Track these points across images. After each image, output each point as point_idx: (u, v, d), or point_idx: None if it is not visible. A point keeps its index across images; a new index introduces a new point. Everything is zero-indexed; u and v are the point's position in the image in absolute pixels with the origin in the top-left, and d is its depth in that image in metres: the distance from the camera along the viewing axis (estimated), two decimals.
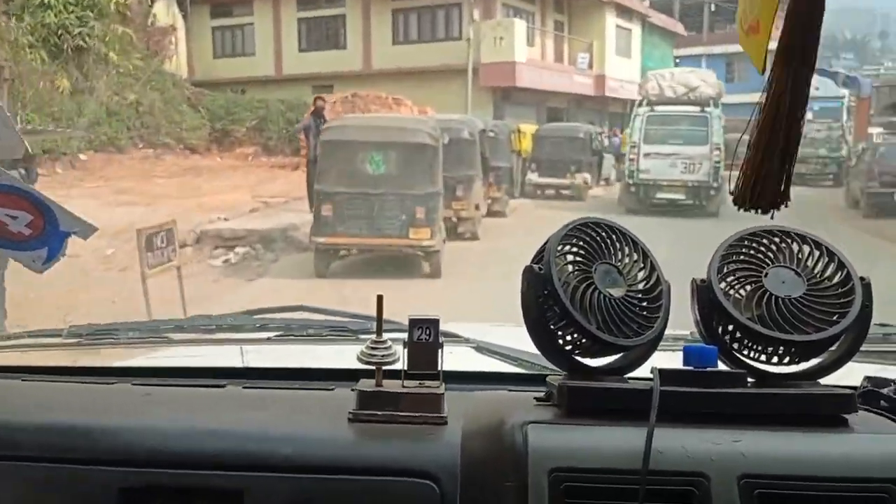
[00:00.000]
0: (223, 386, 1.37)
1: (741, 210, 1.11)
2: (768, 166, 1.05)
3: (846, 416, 1.08)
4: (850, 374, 1.25)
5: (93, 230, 1.28)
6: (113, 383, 1.40)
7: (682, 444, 1.01)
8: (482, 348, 1.63)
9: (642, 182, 16.46)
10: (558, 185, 19.30)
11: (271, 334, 1.75)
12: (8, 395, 1.35)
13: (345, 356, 1.47)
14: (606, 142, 24.33)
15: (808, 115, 20.27)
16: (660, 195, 16.35)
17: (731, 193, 1.10)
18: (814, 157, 23.81)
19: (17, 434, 1.16)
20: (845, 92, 25.98)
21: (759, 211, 1.08)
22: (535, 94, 25.92)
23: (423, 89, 22.58)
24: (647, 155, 16.35)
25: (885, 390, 1.22)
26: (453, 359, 1.26)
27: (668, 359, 1.14)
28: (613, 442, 1.01)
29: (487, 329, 1.82)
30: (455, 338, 1.61)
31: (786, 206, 1.08)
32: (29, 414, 1.21)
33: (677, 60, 33.96)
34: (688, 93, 16.67)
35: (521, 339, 1.58)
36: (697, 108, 16.40)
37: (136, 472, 1.11)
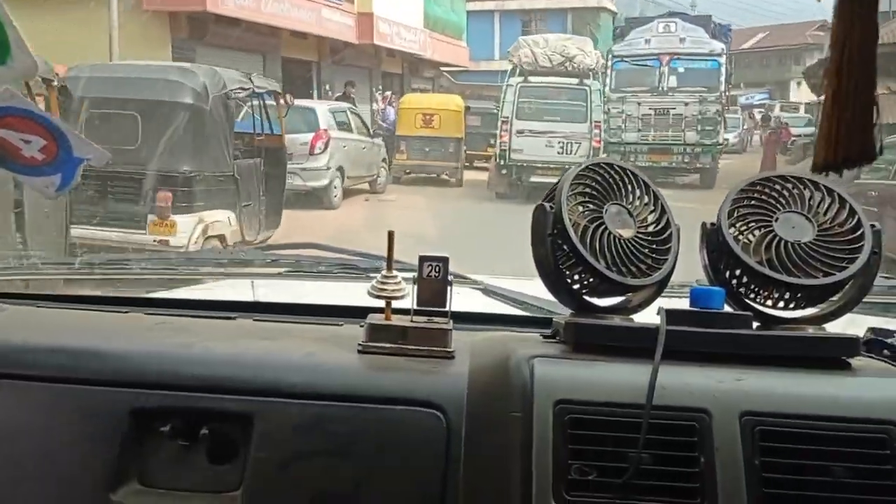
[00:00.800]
0: (234, 318, 1.39)
1: (826, 175, 1.01)
2: (846, 120, 0.95)
3: (849, 360, 1.09)
4: (854, 325, 1.26)
5: (106, 157, 1.28)
6: (125, 312, 1.42)
7: (685, 381, 1.02)
8: (489, 291, 1.64)
9: (515, 163, 14.07)
10: (436, 167, 15.91)
11: (282, 269, 1.77)
12: (20, 319, 1.37)
13: (354, 293, 1.49)
14: (379, 117, 18.16)
15: (672, 81, 16.65)
16: (535, 178, 13.52)
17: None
18: (679, 143, 16.09)
19: (28, 355, 1.19)
20: (721, 46, 16.46)
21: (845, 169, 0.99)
22: (252, 32, 15.35)
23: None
24: (520, 132, 14.14)
25: (889, 340, 1.23)
26: (461, 299, 1.27)
27: (674, 303, 1.15)
28: (618, 377, 1.03)
29: (494, 278, 1.83)
30: (463, 279, 1.62)
31: (877, 157, 0.98)
32: (41, 336, 1.23)
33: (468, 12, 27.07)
34: (564, 62, 14.49)
35: (527, 288, 1.60)
36: (575, 81, 14.36)
37: (147, 393, 1.13)
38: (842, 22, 0.96)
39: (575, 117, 14.38)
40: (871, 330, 1.27)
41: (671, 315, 1.08)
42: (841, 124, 0.96)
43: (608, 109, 15.91)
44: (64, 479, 1.10)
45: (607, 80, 16.26)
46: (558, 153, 14.14)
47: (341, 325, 1.37)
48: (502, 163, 14.31)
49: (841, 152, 0.97)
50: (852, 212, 1.13)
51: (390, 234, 1.27)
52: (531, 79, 14.51)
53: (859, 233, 1.12)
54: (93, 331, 1.28)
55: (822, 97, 1.00)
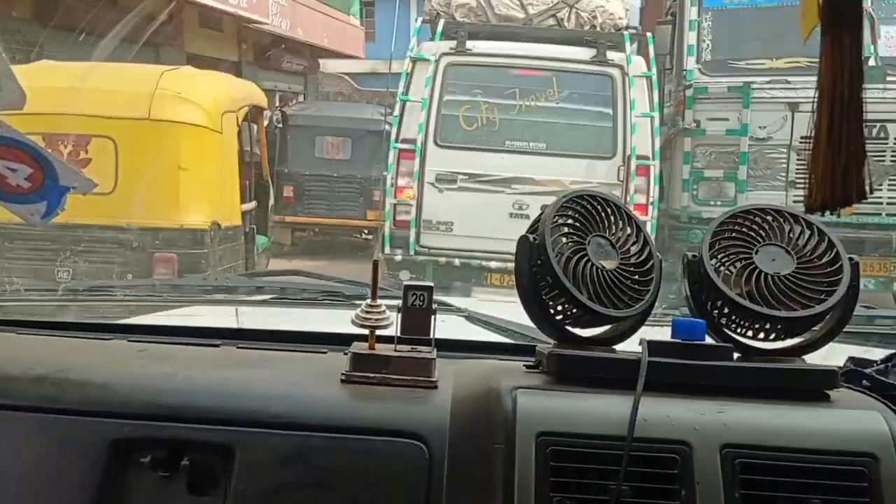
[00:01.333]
0: (217, 346, 1.38)
1: (822, 215, 1.02)
2: (841, 161, 0.97)
3: (828, 391, 1.10)
4: (834, 355, 1.28)
5: (92, 185, 1.28)
6: (108, 339, 1.42)
7: (666, 413, 1.03)
8: (473, 318, 1.65)
9: (429, 255, 6.29)
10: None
11: (267, 297, 1.77)
12: (3, 346, 1.37)
13: (339, 321, 1.49)
14: None
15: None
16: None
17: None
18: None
19: (10, 384, 1.18)
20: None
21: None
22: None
23: None
24: (442, 180, 6.31)
25: (867, 370, 1.25)
26: (445, 327, 1.28)
27: (656, 334, 1.16)
28: (600, 409, 1.04)
29: (478, 302, 1.84)
30: (447, 307, 1.63)
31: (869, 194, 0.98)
32: (23, 365, 1.23)
33: None
34: (558, 8, 6.83)
35: (511, 314, 1.60)
36: (585, 54, 6.40)
37: (129, 423, 1.12)
38: (830, 66, 0.98)
39: (584, 143, 6.25)
40: (851, 360, 1.29)
41: (653, 346, 1.09)
42: (836, 167, 0.98)
43: (685, 122, 6.74)
44: None
45: (684, 50, 6.79)
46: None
47: (326, 352, 1.37)
48: (397, 255, 6.29)
49: (838, 193, 0.99)
50: (831, 245, 1.14)
51: (375, 263, 1.28)
52: (476, 46, 6.37)
53: (838, 265, 1.13)
54: (76, 359, 1.28)
55: (812, 139, 1.01)
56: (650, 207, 6.14)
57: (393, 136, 6.32)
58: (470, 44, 6.38)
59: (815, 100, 0.99)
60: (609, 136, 6.25)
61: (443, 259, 6.19)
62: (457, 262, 6.15)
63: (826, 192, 0.99)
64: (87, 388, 1.17)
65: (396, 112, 6.32)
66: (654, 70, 6.49)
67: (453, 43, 6.38)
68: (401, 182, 6.26)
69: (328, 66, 19.53)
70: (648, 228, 4.57)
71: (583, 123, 6.36)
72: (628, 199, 5.99)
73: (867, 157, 0.99)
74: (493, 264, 5.98)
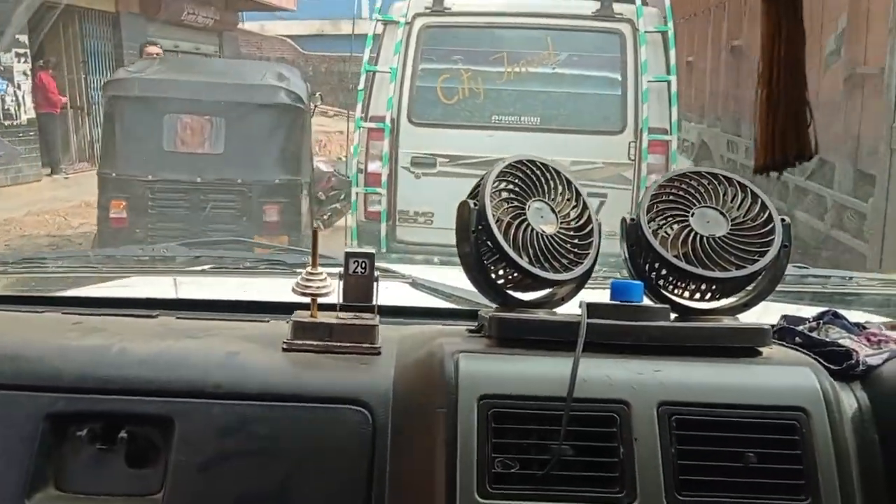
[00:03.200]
0: (155, 316, 1.36)
1: (766, 176, 0.99)
2: (780, 121, 0.96)
3: (761, 349, 1.14)
4: (768, 313, 1.31)
5: (17, 153, 1.24)
6: (41, 312, 1.38)
7: (605, 373, 1.05)
8: (417, 284, 1.65)
9: (404, 251, 5.29)
10: None
11: (206, 266, 1.73)
12: None
13: (280, 290, 1.47)
14: None
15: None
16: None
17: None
18: None
19: None
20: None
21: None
22: None
23: None
24: (419, 164, 5.38)
25: (800, 327, 1.29)
26: (388, 294, 1.27)
27: (597, 296, 1.17)
28: (540, 371, 1.05)
29: (422, 268, 1.84)
30: (391, 273, 1.62)
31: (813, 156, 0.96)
32: None
33: None
34: None
35: (455, 280, 1.61)
36: (588, 5, 5.38)
37: (64, 397, 1.10)
38: (768, 27, 0.98)
39: (587, 116, 5.36)
40: (784, 318, 1.32)
41: (592, 308, 1.10)
42: (775, 127, 0.98)
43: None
44: None
45: None
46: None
47: (267, 321, 1.36)
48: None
49: (779, 153, 0.99)
50: (764, 206, 1.17)
51: (314, 231, 1.27)
52: (456, 2, 5.48)
53: (770, 227, 1.16)
54: (7, 332, 1.24)
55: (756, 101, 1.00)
56: None
57: (359, 114, 5.36)
58: (448, 0, 5.35)
59: (757, 60, 0.99)
60: (617, 107, 5.24)
61: (421, 256, 4.81)
62: (437, 259, 4.80)
63: (767, 154, 0.99)
64: (19, 362, 1.14)
65: (362, 85, 5.36)
66: (671, 24, 5.29)
67: (429, 0, 5.31)
68: (371, 167, 5.30)
69: (268, 27, 16.71)
70: None
71: (585, 92, 5.34)
72: (641, 180, 5.08)
73: (811, 117, 0.97)
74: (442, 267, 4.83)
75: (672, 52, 5.27)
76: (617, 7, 5.26)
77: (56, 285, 1.68)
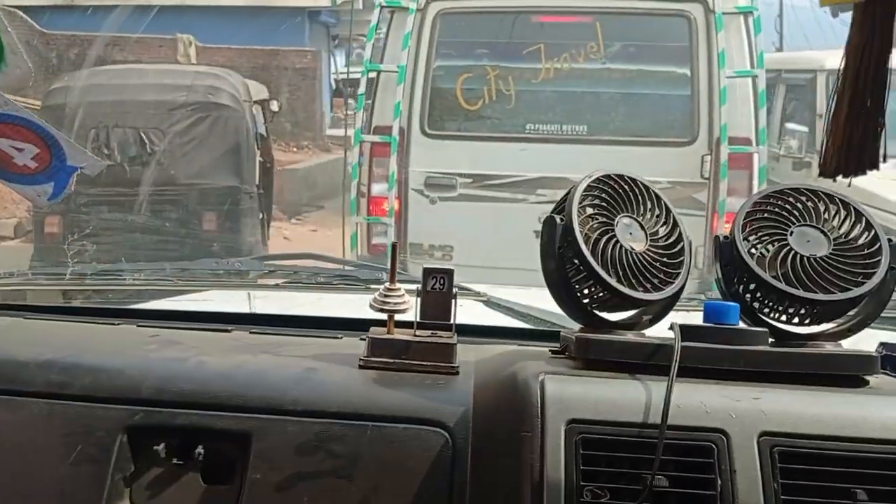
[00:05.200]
0: (229, 331, 1.35)
1: (834, 181, 1.00)
2: (859, 130, 0.97)
3: (867, 377, 1.06)
4: (864, 340, 1.23)
5: (101, 165, 1.24)
6: (117, 324, 1.38)
7: (701, 399, 0.99)
8: (493, 303, 1.61)
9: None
10: None
11: (279, 281, 1.73)
12: (11, 331, 1.33)
13: (354, 306, 1.45)
14: None
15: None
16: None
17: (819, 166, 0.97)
18: None
19: (19, 370, 1.15)
20: None
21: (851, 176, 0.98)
22: None
23: None
24: (434, 185, 4.22)
25: None
26: (464, 312, 1.24)
27: (684, 319, 1.12)
28: (632, 395, 1.00)
29: (496, 288, 1.80)
30: (466, 291, 1.59)
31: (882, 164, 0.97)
32: (32, 350, 1.19)
33: None
34: None
35: (530, 299, 1.56)
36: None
37: (142, 410, 1.09)
38: (861, 28, 0.96)
39: (647, 123, 4.18)
40: (883, 345, 1.24)
41: (685, 331, 1.05)
42: (855, 132, 0.96)
43: None
44: (55, 497, 1.06)
45: None
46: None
47: (341, 338, 1.34)
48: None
49: (853, 162, 0.98)
50: (868, 226, 1.10)
51: (394, 245, 1.25)
52: None
53: (876, 247, 1.09)
54: (85, 344, 1.24)
55: (833, 105, 0.99)
56: None
57: (359, 125, 4.26)
58: None
59: (842, 66, 0.98)
60: (686, 111, 4.08)
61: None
62: (470, 285, 3.95)
63: (840, 160, 0.98)
64: (98, 374, 1.14)
65: (362, 88, 4.27)
66: (756, 0, 4.10)
67: None
68: (374, 191, 4.19)
69: None
70: None
71: (645, 92, 4.20)
72: (718, 204, 3.95)
73: (884, 128, 0.97)
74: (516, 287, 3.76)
75: (759, 39, 4.04)
76: None
77: (132, 297, 1.70)
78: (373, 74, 4.21)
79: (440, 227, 4.18)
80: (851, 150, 0.97)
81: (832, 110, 0.99)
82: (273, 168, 6.31)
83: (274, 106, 6.55)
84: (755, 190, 3.83)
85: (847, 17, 1.00)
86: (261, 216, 5.54)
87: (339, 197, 9.58)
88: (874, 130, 0.97)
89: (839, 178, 1.00)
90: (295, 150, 13.57)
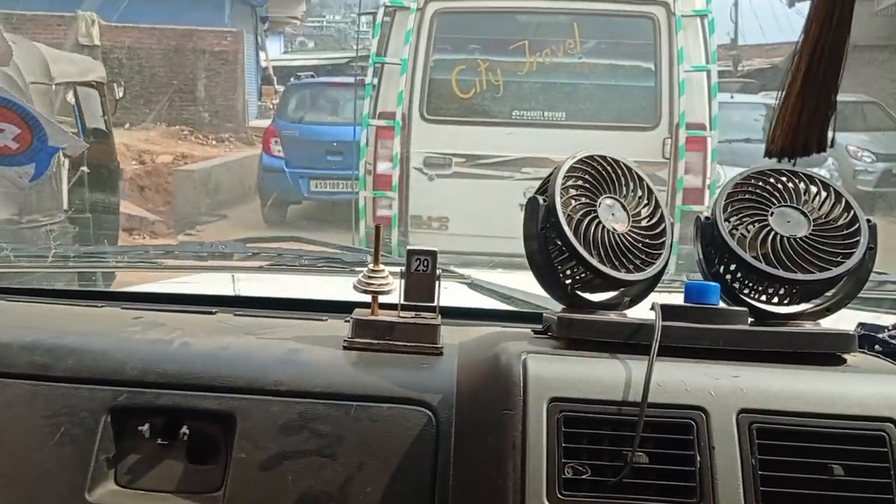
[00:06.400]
0: (214, 313, 1.35)
1: (779, 161, 0.98)
2: (809, 108, 0.95)
3: (845, 356, 1.08)
4: (843, 320, 1.25)
5: (82, 146, 1.24)
6: (100, 307, 1.38)
7: (681, 378, 1.00)
8: (477, 285, 1.62)
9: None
10: None
11: (263, 263, 1.73)
12: None
13: (338, 288, 1.46)
14: None
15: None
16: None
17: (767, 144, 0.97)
18: None
19: (2, 351, 1.14)
20: None
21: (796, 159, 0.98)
22: None
23: None
24: (433, 164, 4.86)
25: (880, 335, 1.22)
26: (447, 294, 1.25)
27: (666, 300, 1.13)
28: (613, 374, 1.01)
29: (481, 271, 1.81)
30: (450, 273, 1.60)
31: (830, 148, 0.96)
32: (14, 332, 1.19)
33: None
34: None
35: (514, 282, 1.57)
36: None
37: (126, 391, 1.09)
38: (819, 11, 0.95)
39: (616, 110, 4.86)
40: (861, 325, 1.26)
41: (666, 310, 1.06)
42: (804, 112, 0.96)
43: None
44: (39, 479, 1.06)
45: None
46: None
47: (325, 319, 1.34)
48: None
49: (801, 140, 0.97)
50: (848, 206, 1.11)
51: (377, 228, 1.25)
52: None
53: (855, 227, 1.10)
54: (68, 326, 1.24)
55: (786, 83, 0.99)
56: (706, 193, 4.60)
57: (366, 111, 4.90)
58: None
59: (799, 42, 0.97)
60: (650, 100, 4.72)
61: (438, 269, 4.48)
62: (454, 268, 4.70)
63: (787, 139, 0.97)
64: (82, 356, 1.13)
65: (370, 79, 4.84)
66: (710, 5, 4.79)
67: None
68: (380, 169, 4.78)
69: None
70: None
71: (615, 84, 4.87)
72: (677, 181, 4.51)
73: (835, 109, 0.96)
74: (499, 272, 4.23)
75: (713, 39, 4.73)
76: None
77: (114, 280, 1.69)
78: (378, 66, 4.83)
79: (437, 200, 4.78)
80: (799, 131, 0.96)
81: (785, 88, 0.97)
82: (118, 174, 5.25)
83: (118, 92, 5.77)
84: (708, 169, 4.62)
85: (803, 7, 1.00)
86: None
87: (249, 203, 9.08)
88: (825, 110, 0.96)
89: (784, 159, 1.00)
90: (214, 143, 12.08)
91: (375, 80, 4.81)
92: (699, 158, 4.60)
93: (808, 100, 0.95)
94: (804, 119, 0.95)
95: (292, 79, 12.08)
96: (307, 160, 8.64)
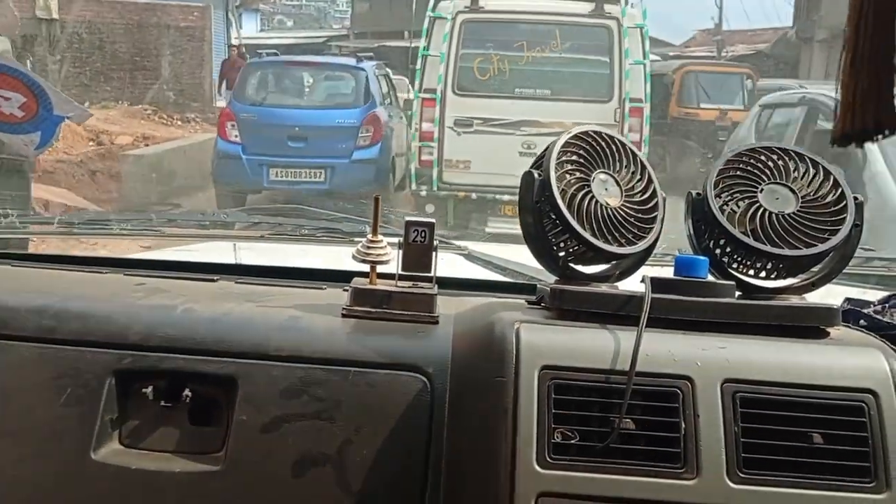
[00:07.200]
0: (215, 280, 1.38)
1: (840, 147, 0.87)
2: (862, 86, 0.83)
3: (829, 329, 1.11)
4: (830, 295, 1.28)
5: (87, 115, 1.26)
6: (105, 273, 1.41)
7: (668, 348, 1.04)
8: (473, 257, 1.65)
9: (450, 190, 7.07)
10: None
11: (265, 232, 1.76)
12: (1, 278, 1.35)
13: (338, 257, 1.48)
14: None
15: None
16: (494, 224, 6.74)
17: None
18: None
19: (10, 315, 1.17)
20: None
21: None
22: None
23: None
24: (461, 123, 7.04)
25: (865, 310, 1.25)
26: (444, 265, 1.27)
27: (657, 274, 1.16)
28: (603, 344, 1.04)
29: (477, 243, 1.84)
30: (447, 244, 1.63)
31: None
32: (22, 296, 1.22)
33: None
34: None
35: (509, 254, 1.60)
36: (584, 6, 7.14)
37: (130, 354, 1.12)
38: None
39: (584, 89, 7.04)
40: (848, 300, 1.29)
41: (656, 283, 1.09)
42: (857, 92, 0.85)
43: None
44: (45, 438, 1.10)
45: None
46: None
47: (324, 288, 1.37)
48: (423, 191, 7.10)
49: (858, 122, 0.86)
50: (836, 184, 1.14)
51: (376, 198, 1.27)
52: (488, 3, 7.11)
53: (842, 205, 1.13)
54: (74, 291, 1.27)
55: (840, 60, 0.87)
56: (643, 145, 6.90)
57: (416, 87, 7.17)
58: (482, 1, 7.14)
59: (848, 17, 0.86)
60: (606, 82, 7.00)
61: (462, 193, 7.00)
62: (474, 195, 6.98)
63: (846, 122, 0.86)
64: (88, 320, 1.17)
65: (419, 66, 7.10)
66: (646, 20, 7.25)
67: (468, 1, 7.11)
68: (424, 127, 7.05)
69: None
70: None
71: (583, 71, 7.11)
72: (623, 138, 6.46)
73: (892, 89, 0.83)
74: (506, 197, 6.69)
75: (647, 42, 7.11)
76: (607, 7, 7.05)
77: (118, 247, 1.72)
78: (424, 57, 7.08)
79: (463, 149, 7.04)
80: (856, 113, 0.85)
81: (840, 66, 0.85)
82: (29, 162, 4.50)
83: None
84: (644, 129, 6.94)
85: None
86: None
87: (207, 191, 8.27)
88: (876, 84, 0.83)
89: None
90: (179, 123, 11.59)
91: (420, 66, 7.03)
92: (638, 122, 6.91)
93: (858, 78, 0.84)
94: (858, 100, 0.84)
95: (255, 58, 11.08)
96: (267, 146, 7.96)
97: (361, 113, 8.39)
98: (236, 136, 8.20)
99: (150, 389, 1.11)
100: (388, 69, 10.05)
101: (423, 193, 7.08)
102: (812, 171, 1.15)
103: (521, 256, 1.44)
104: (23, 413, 1.11)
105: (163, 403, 1.12)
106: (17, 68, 1.22)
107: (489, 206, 6.96)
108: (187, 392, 1.11)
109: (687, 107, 11.98)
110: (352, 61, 9.42)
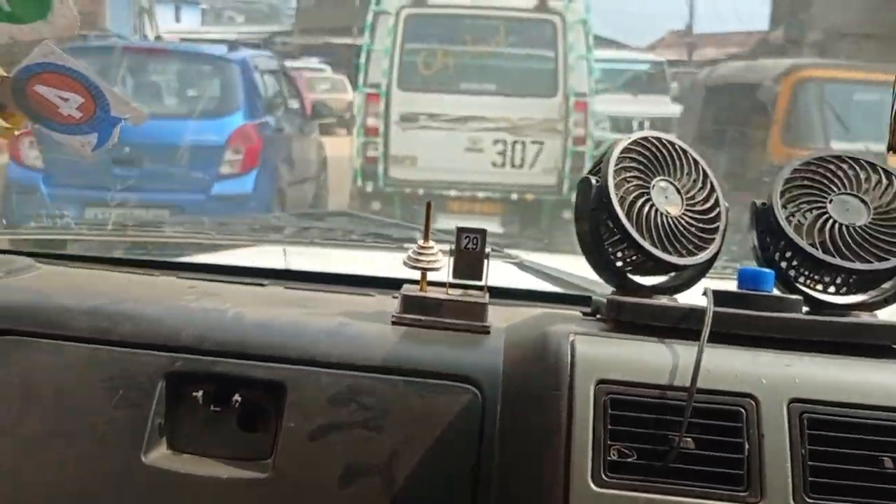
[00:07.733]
0: (265, 285, 1.37)
1: None
2: None
3: None
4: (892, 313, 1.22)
5: (144, 116, 1.26)
6: (157, 275, 1.41)
7: (732, 364, 0.99)
8: (525, 266, 1.62)
9: (396, 186, 6.80)
10: None
11: (314, 238, 1.75)
12: (55, 279, 1.37)
13: (387, 263, 1.47)
14: None
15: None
16: (442, 221, 5.51)
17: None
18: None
19: (64, 315, 1.18)
20: None
21: None
22: None
23: None
24: (406, 118, 6.84)
25: None
26: (496, 274, 1.25)
27: (719, 285, 1.11)
28: (662, 358, 1.00)
29: (527, 253, 1.81)
30: (499, 252, 1.60)
31: None
32: (77, 297, 1.23)
33: None
34: None
35: (562, 265, 1.57)
36: (530, 4, 6.94)
37: (182, 357, 1.12)
38: None
39: (529, 84, 6.81)
40: None
41: (718, 296, 1.04)
42: None
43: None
44: (96, 440, 1.10)
45: None
46: (494, 165, 6.69)
47: (373, 295, 1.36)
48: (368, 187, 6.80)
49: None
50: None
51: (428, 205, 1.25)
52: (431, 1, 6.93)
53: None
54: (126, 293, 1.27)
55: None
56: (588, 139, 6.79)
57: (360, 82, 6.90)
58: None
59: None
60: (551, 77, 6.87)
61: (408, 189, 6.75)
62: (420, 192, 6.70)
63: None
64: (140, 322, 1.17)
65: (362, 60, 6.89)
66: (590, 15, 7.13)
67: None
68: (369, 122, 6.84)
69: None
70: (586, 159, 5.49)
71: (528, 66, 7.00)
72: (567, 131, 6.84)
73: None
74: (452, 193, 6.66)
75: (590, 37, 6.98)
76: (551, 3, 6.93)
77: (171, 250, 1.73)
78: (368, 51, 6.89)
79: (408, 145, 6.77)
80: None
81: None
82: None
83: None
84: (588, 123, 6.74)
85: None
86: None
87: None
88: None
89: None
90: None
91: (364, 61, 6.77)
92: (582, 116, 6.76)
93: None
94: None
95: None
96: (81, 174, 4.92)
97: (227, 126, 5.83)
98: (36, 158, 5.49)
99: (200, 393, 1.11)
100: (286, 62, 8.15)
101: (369, 190, 6.74)
102: (885, 181, 1.10)
103: (575, 267, 1.41)
104: (75, 414, 1.11)
105: (213, 408, 1.11)
106: (75, 69, 1.22)
107: (436, 203, 5.71)
108: (237, 397, 1.10)
109: (804, 146, 5.97)
110: (220, 50, 6.55)
